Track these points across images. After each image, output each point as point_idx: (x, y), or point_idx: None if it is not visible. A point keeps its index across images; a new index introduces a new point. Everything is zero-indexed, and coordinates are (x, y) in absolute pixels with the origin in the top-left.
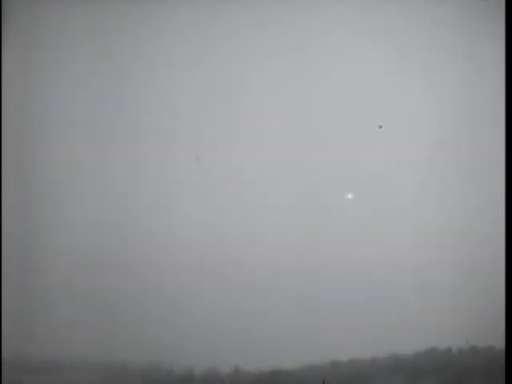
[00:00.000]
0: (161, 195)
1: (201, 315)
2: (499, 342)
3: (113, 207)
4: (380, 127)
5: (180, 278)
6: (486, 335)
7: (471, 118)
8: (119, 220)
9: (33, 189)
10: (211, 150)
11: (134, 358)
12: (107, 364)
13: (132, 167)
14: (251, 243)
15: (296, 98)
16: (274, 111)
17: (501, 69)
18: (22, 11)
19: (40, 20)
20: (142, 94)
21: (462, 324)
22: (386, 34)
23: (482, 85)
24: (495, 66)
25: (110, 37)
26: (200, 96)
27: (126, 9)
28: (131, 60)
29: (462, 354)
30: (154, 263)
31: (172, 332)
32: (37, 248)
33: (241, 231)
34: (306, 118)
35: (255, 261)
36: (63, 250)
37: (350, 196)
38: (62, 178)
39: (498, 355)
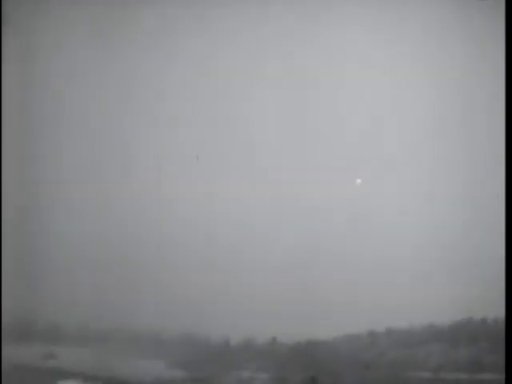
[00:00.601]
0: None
1: (238, 287)
2: None
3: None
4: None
5: (219, 250)
6: None
7: (471, 114)
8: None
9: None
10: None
11: (171, 327)
12: (144, 335)
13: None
14: (283, 226)
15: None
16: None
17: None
18: (22, 13)
19: (39, 21)
20: (143, 94)
21: (497, 295)
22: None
23: (482, 84)
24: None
25: (111, 36)
26: (201, 95)
27: (126, 10)
28: (131, 60)
29: (498, 323)
30: (195, 235)
31: (208, 303)
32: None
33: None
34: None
35: (295, 240)
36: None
37: (359, 181)
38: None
39: None
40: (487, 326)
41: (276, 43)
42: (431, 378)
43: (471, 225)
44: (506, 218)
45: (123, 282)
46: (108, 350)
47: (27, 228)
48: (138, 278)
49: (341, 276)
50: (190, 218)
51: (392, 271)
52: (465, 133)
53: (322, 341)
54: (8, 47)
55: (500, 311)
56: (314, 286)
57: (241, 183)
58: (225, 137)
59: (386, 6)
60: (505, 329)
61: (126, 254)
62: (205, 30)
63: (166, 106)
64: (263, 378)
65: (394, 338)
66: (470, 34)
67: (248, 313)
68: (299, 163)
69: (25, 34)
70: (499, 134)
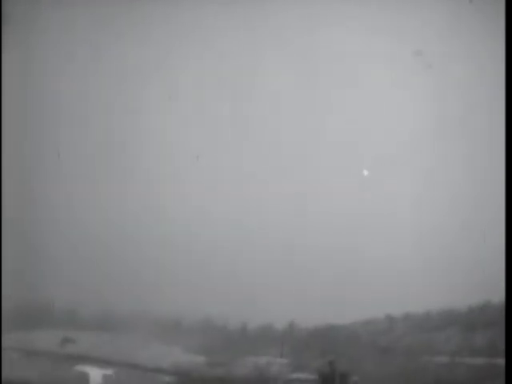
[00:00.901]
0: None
1: (256, 271)
2: None
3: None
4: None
5: (236, 234)
6: None
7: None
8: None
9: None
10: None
11: (189, 313)
12: (161, 320)
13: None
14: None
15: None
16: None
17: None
18: (22, 13)
19: (39, 21)
20: (143, 94)
21: None
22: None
23: (482, 83)
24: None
25: (110, 36)
26: (203, 94)
27: (128, 9)
28: (132, 60)
29: None
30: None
31: (226, 288)
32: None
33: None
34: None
35: (312, 224)
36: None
37: (365, 173)
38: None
39: None
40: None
41: (276, 43)
42: (448, 363)
43: (484, 209)
44: (506, 218)
45: (142, 268)
46: (126, 335)
47: (41, 213)
48: (156, 263)
49: (357, 261)
50: (202, 209)
51: (408, 256)
52: (465, 133)
53: (340, 325)
54: (8, 47)
55: None
56: (331, 271)
57: (247, 180)
58: (225, 136)
59: (386, 5)
60: (505, 329)
61: (142, 241)
62: (206, 29)
63: (166, 106)
64: (281, 363)
65: (412, 323)
66: (470, 34)
67: (266, 298)
68: (299, 163)
69: (25, 33)
70: (499, 135)
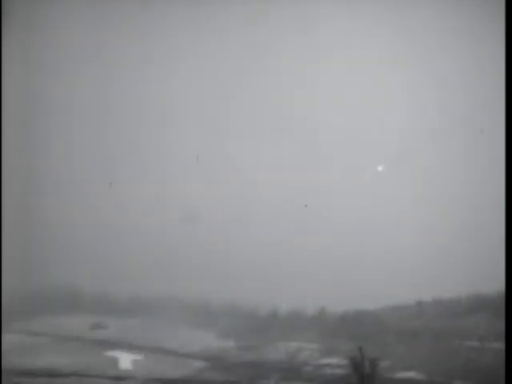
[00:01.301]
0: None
1: (287, 258)
2: None
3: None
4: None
5: (270, 222)
6: None
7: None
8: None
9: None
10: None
11: (220, 298)
12: (193, 305)
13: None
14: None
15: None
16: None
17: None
18: (22, 11)
19: (39, 20)
20: (142, 93)
21: None
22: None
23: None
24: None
25: (110, 36)
26: (201, 91)
27: (125, 8)
28: (131, 60)
29: None
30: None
31: (257, 273)
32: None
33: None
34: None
35: (345, 218)
36: None
37: (380, 168)
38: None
39: None
40: None
41: (276, 44)
42: (478, 347)
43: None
44: (506, 218)
45: (171, 254)
46: (156, 321)
47: (68, 204)
48: (186, 249)
49: (387, 248)
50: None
51: (437, 243)
52: (466, 133)
53: (370, 311)
54: (8, 47)
55: None
56: (362, 257)
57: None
58: (226, 138)
59: (388, 6)
60: (505, 330)
61: (172, 228)
62: (206, 32)
63: (166, 106)
64: (311, 348)
65: (441, 308)
66: (471, 34)
67: (296, 283)
68: (300, 163)
69: (25, 32)
70: (500, 134)
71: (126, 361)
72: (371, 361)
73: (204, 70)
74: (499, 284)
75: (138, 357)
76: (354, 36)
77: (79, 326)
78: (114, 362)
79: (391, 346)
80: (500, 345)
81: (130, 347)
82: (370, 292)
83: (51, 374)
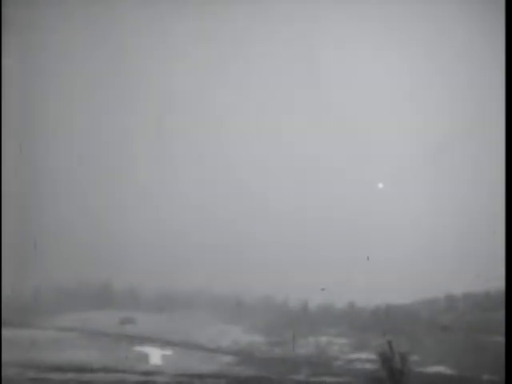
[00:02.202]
0: None
1: (316, 254)
2: None
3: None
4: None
5: (299, 215)
6: None
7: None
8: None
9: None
10: None
11: (250, 292)
12: (222, 300)
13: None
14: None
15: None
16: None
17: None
18: (22, 13)
19: (39, 21)
20: (141, 93)
21: None
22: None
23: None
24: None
25: (112, 36)
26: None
27: (127, 10)
28: (131, 60)
29: None
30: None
31: (287, 268)
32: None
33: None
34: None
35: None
36: None
37: (380, 186)
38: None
39: None
40: None
41: (278, 44)
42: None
43: None
44: (506, 218)
45: (201, 248)
46: (185, 316)
47: (100, 200)
48: (217, 244)
49: (418, 243)
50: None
51: (467, 237)
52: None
53: (400, 305)
54: (8, 47)
55: None
56: (392, 252)
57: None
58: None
59: (391, 8)
60: (505, 329)
61: (203, 222)
62: (206, 33)
63: (166, 105)
64: (341, 342)
65: (471, 302)
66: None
67: (326, 278)
68: (301, 164)
69: (25, 33)
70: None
71: (154, 356)
72: (401, 355)
73: (204, 72)
74: None
75: (167, 352)
76: (358, 49)
77: (108, 322)
78: (143, 357)
79: (421, 340)
80: None
81: (159, 342)
82: (401, 286)
83: (80, 369)
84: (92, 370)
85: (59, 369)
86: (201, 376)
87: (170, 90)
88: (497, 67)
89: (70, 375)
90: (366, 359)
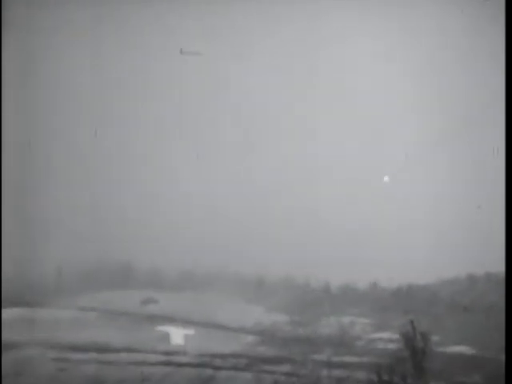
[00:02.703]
0: None
1: (339, 232)
2: None
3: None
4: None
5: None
6: None
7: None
8: None
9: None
10: None
11: (272, 272)
12: (245, 279)
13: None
14: None
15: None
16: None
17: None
18: (22, 13)
19: (39, 21)
20: (143, 94)
21: None
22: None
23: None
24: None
25: (109, 37)
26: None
27: (127, 10)
28: (131, 60)
29: None
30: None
31: (309, 248)
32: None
33: None
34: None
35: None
36: None
37: (386, 179)
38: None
39: None
40: None
41: (279, 44)
42: None
43: None
44: (506, 218)
45: (223, 227)
46: (207, 295)
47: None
48: (238, 223)
49: (438, 224)
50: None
51: (487, 218)
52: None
53: (421, 285)
54: (8, 47)
55: None
56: (413, 231)
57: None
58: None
59: (390, 11)
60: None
61: (226, 201)
62: (207, 31)
63: (166, 106)
64: (363, 322)
65: (493, 282)
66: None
67: (349, 258)
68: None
69: (25, 33)
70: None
71: (177, 336)
72: (423, 335)
73: (204, 72)
74: None
75: (189, 332)
76: (359, 45)
77: (129, 302)
78: (165, 337)
79: (442, 320)
80: None
81: (182, 322)
82: (423, 266)
83: (101, 349)
84: (113, 350)
85: (80, 349)
86: (223, 356)
87: (173, 89)
88: (497, 67)
89: (91, 355)
90: (388, 339)
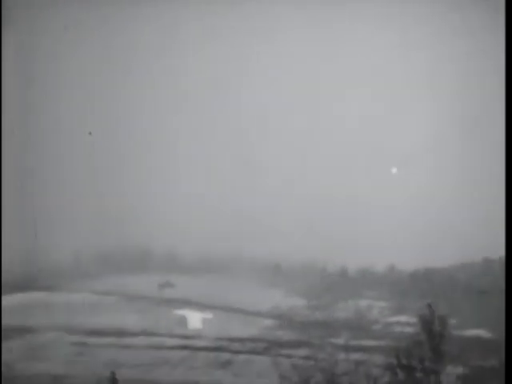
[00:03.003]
0: None
1: (356, 216)
2: None
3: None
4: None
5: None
6: None
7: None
8: None
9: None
10: None
11: (290, 256)
12: (262, 263)
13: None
14: None
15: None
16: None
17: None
18: (22, 13)
19: (39, 21)
20: (143, 94)
21: None
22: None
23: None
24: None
25: (109, 36)
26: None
27: (127, 10)
28: (131, 60)
29: None
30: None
31: (326, 232)
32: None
33: None
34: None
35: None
36: None
37: (394, 170)
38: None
39: None
40: None
41: (281, 44)
42: None
43: None
44: (505, 218)
45: (240, 212)
46: (225, 279)
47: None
48: (256, 207)
49: (454, 208)
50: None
51: (501, 202)
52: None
53: (438, 268)
54: (8, 47)
55: None
56: (430, 215)
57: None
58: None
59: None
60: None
61: (241, 190)
62: (208, 31)
63: (167, 105)
64: (381, 306)
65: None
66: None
67: (366, 241)
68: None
69: (25, 33)
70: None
71: (194, 320)
72: (441, 318)
73: (203, 71)
74: None
75: (207, 316)
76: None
77: (147, 286)
78: (183, 321)
79: (459, 304)
80: None
81: (199, 306)
82: (439, 249)
83: (119, 333)
84: (131, 334)
85: (98, 333)
86: (240, 340)
87: (176, 89)
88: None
89: (109, 339)
90: (406, 322)
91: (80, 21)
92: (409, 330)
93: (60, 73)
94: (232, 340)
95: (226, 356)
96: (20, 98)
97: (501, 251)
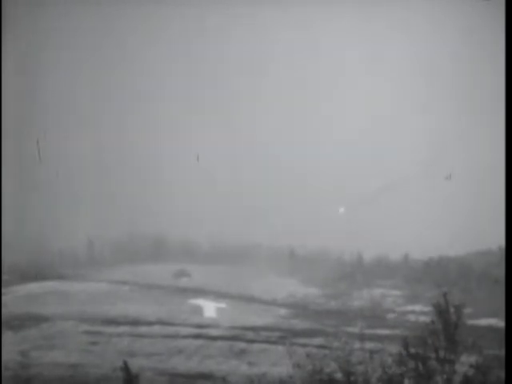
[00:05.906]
0: None
1: (371, 206)
2: None
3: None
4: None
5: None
6: None
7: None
8: None
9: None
10: None
11: (305, 245)
12: (278, 252)
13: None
14: None
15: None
16: None
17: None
18: (22, 13)
19: (39, 21)
20: (143, 95)
21: None
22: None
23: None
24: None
25: (109, 36)
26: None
27: (126, 10)
28: (131, 60)
29: None
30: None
31: (341, 221)
32: None
33: None
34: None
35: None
36: None
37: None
38: None
39: None
40: None
41: (281, 44)
42: None
43: None
44: (506, 218)
45: (254, 202)
46: (240, 268)
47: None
48: (271, 197)
49: (470, 196)
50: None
51: None
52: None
53: (453, 257)
54: (8, 47)
55: None
56: (445, 203)
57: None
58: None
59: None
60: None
61: (257, 178)
62: (205, 31)
63: (166, 106)
64: (395, 294)
65: None
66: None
67: (381, 230)
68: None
69: (25, 33)
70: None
71: (209, 309)
72: (456, 307)
73: (203, 70)
74: None
75: (222, 305)
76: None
77: (162, 275)
78: (198, 310)
79: (474, 293)
80: None
81: (214, 295)
82: (453, 237)
83: (134, 322)
84: (146, 323)
85: (113, 322)
86: (255, 329)
87: (171, 88)
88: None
89: (123, 328)
90: (420, 311)
91: (80, 21)
92: (423, 318)
93: (60, 72)
94: (247, 329)
95: (240, 345)
96: (20, 98)
97: None
